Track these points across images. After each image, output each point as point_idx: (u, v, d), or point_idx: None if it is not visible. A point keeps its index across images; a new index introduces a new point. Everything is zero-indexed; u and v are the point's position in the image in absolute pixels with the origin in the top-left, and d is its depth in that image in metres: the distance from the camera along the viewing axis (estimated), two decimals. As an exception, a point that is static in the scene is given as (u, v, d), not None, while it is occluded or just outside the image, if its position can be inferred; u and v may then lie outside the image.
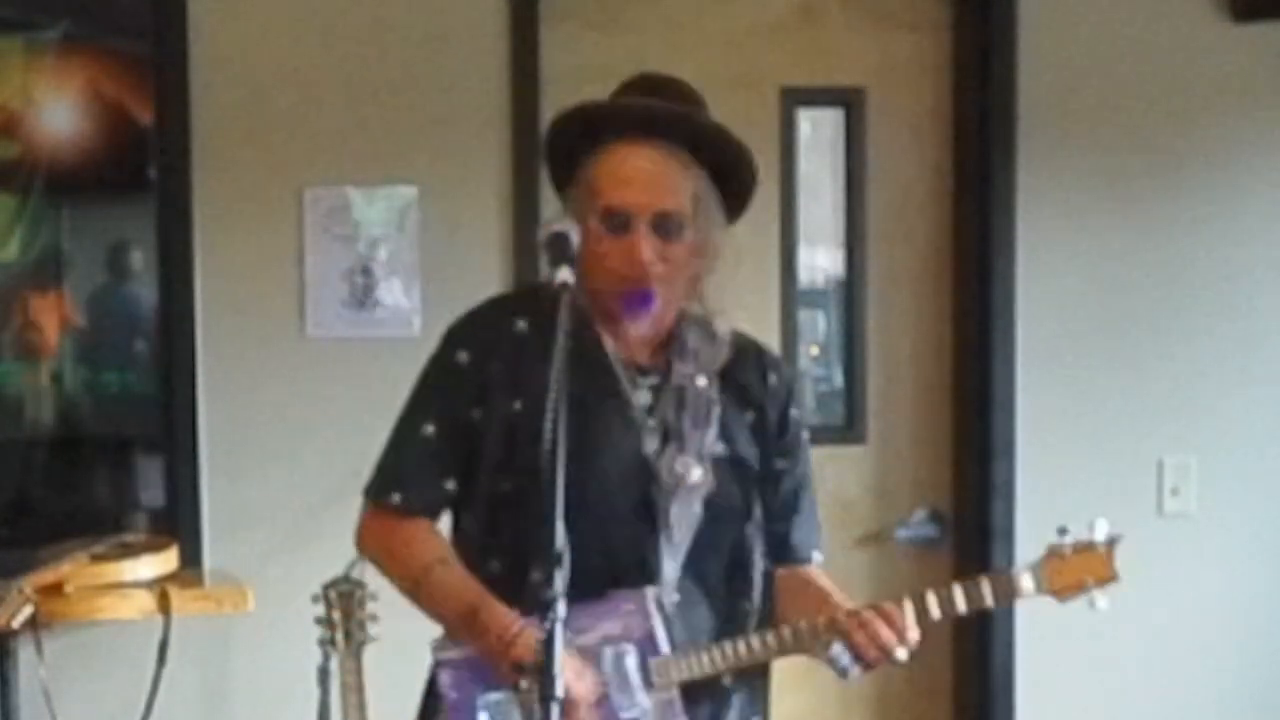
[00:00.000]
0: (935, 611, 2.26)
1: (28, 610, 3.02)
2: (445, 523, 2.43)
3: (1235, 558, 3.93)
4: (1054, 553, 2.29)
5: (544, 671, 1.90)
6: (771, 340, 3.85)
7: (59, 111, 3.70)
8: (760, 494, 2.38)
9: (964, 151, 3.86)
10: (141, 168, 3.68)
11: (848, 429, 3.89)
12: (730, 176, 2.32)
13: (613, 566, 2.22)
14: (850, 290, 3.92)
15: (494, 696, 2.23)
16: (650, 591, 2.23)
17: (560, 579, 1.92)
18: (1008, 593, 2.29)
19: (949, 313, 3.91)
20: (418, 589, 2.33)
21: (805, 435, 2.47)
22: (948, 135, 3.89)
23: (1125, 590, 3.94)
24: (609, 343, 2.31)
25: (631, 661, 2.20)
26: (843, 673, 2.25)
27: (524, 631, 2.14)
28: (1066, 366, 3.86)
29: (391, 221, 3.67)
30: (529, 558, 2.19)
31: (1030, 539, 3.80)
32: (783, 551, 2.42)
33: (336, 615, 3.12)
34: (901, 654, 2.23)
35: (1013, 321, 3.83)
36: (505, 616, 2.19)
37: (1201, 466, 3.89)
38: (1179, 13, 3.84)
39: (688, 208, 2.26)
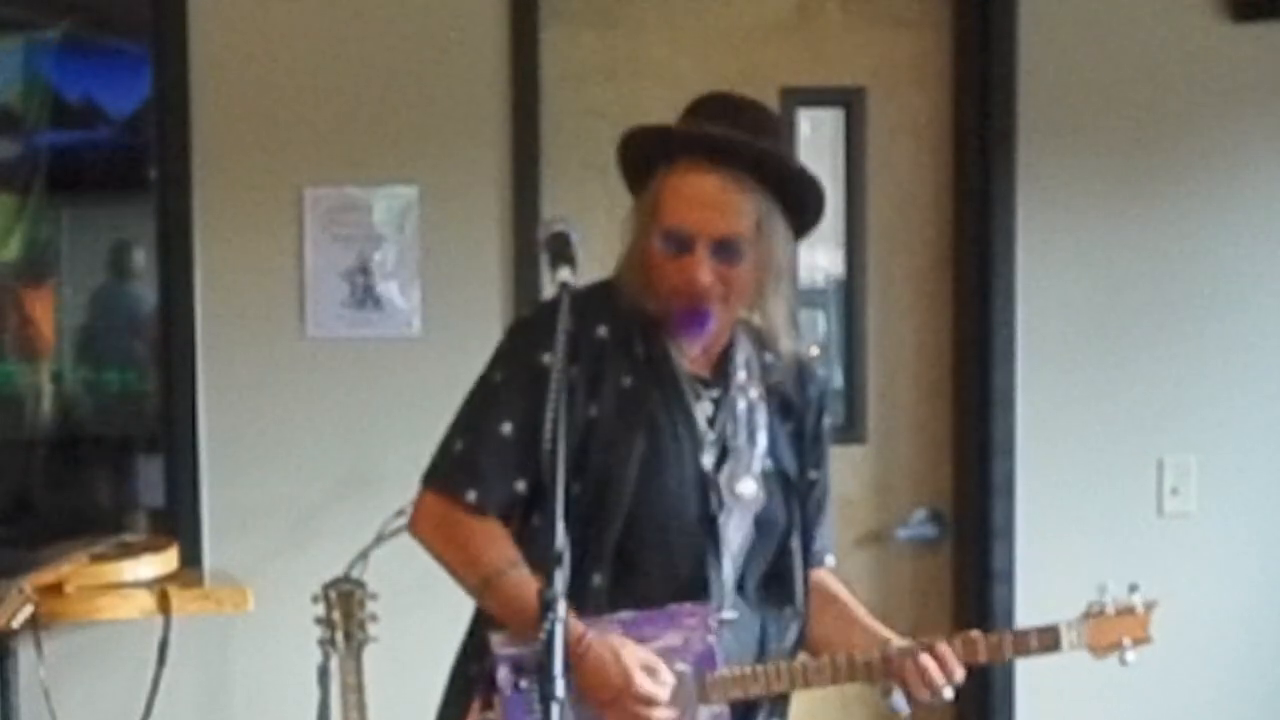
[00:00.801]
0: (983, 656, 2.35)
1: (28, 610, 3.02)
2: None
3: (1235, 558, 3.93)
4: (1096, 612, 2.43)
5: (544, 671, 1.89)
6: (771, 340, 3.86)
7: (59, 111, 3.70)
8: (802, 503, 2.43)
9: (964, 151, 3.86)
10: (141, 168, 3.68)
11: (848, 429, 3.89)
12: (794, 199, 2.33)
13: (673, 579, 2.27)
14: (850, 290, 3.91)
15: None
16: (713, 606, 2.27)
17: (560, 579, 1.92)
18: (1052, 645, 2.40)
19: (949, 313, 3.91)
20: (485, 589, 2.30)
21: (830, 439, 2.54)
22: (948, 135, 3.89)
23: (1125, 590, 3.95)
24: (675, 355, 2.33)
25: (687, 674, 2.23)
26: (899, 712, 2.36)
27: (595, 641, 2.19)
28: (1066, 366, 3.86)
29: (391, 221, 3.66)
30: (593, 565, 2.24)
31: (1030, 539, 3.83)
32: (804, 556, 2.46)
33: (336, 615, 3.12)
34: (949, 693, 2.32)
35: (1013, 321, 3.83)
36: (574, 624, 2.17)
37: (1201, 466, 3.89)
38: (1179, 13, 3.84)
39: (749, 232, 2.27)
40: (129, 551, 3.39)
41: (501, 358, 2.37)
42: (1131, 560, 3.89)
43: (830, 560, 2.53)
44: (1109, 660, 2.49)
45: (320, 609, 3.12)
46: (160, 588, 3.29)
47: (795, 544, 2.40)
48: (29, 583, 3.07)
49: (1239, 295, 3.90)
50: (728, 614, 2.30)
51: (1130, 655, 2.45)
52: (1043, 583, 3.83)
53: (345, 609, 3.12)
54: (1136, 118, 3.85)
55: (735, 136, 2.29)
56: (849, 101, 3.88)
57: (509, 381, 2.33)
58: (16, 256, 3.73)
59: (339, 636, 3.12)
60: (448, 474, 2.33)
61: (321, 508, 3.59)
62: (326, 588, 3.13)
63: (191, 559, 3.56)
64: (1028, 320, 3.83)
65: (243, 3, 3.63)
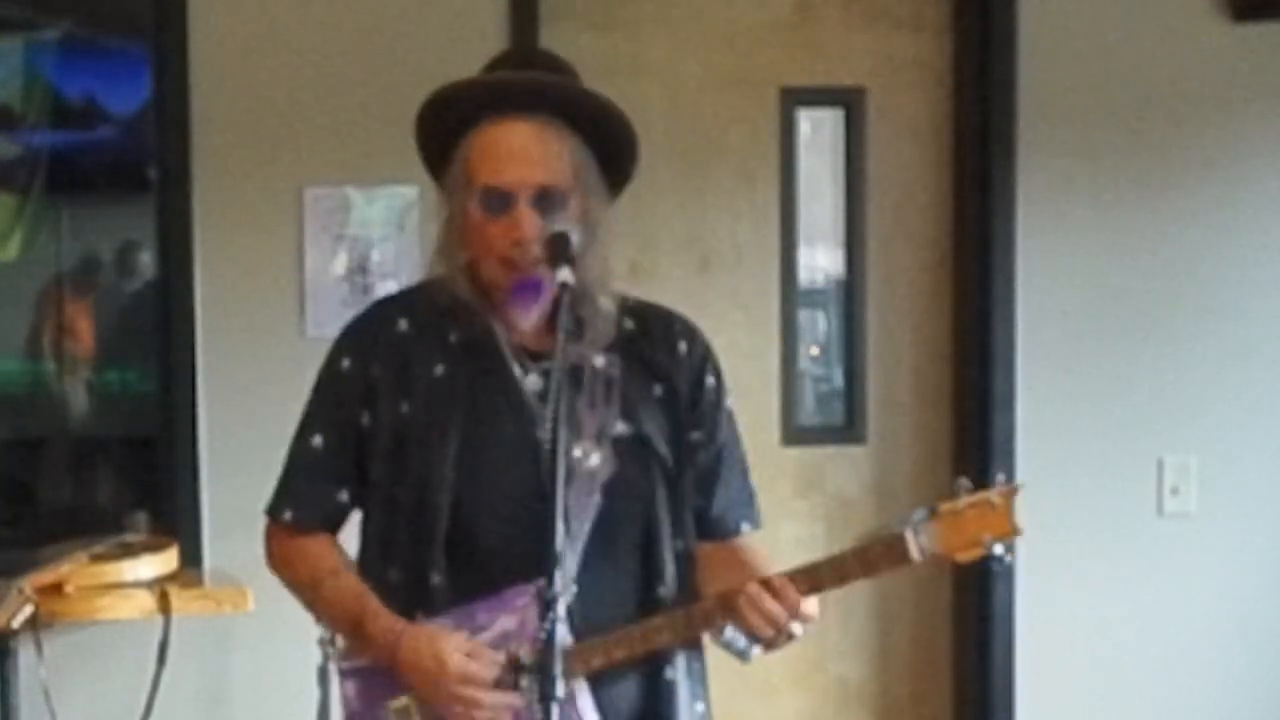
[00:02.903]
0: (827, 581, 2.11)
1: (28, 610, 3.01)
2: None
3: (1235, 558, 3.93)
4: (947, 510, 2.10)
5: (544, 672, 1.89)
6: (771, 340, 3.87)
7: (59, 111, 3.70)
8: (678, 470, 2.25)
9: (964, 151, 3.86)
10: (141, 168, 3.68)
11: (848, 429, 3.89)
12: (609, 144, 2.21)
13: (514, 560, 2.09)
14: (850, 290, 3.92)
15: (396, 703, 2.18)
16: (541, 584, 2.06)
17: (560, 579, 1.90)
18: (900, 556, 2.10)
19: (949, 313, 3.91)
20: (312, 603, 2.31)
21: (727, 402, 2.32)
22: (948, 135, 3.89)
23: (1125, 590, 3.97)
24: (499, 329, 2.20)
25: (525, 654, 2.08)
26: (741, 655, 2.15)
27: (405, 633, 2.12)
28: (1066, 366, 3.86)
29: (391, 221, 3.67)
30: (427, 563, 2.16)
31: (1030, 538, 3.82)
32: (705, 526, 2.29)
33: (336, 615, 3.11)
34: (796, 629, 2.10)
35: (1013, 321, 3.83)
36: (388, 621, 2.15)
37: (1201, 466, 3.89)
38: (1179, 13, 3.84)
39: (569, 180, 2.15)
40: (129, 551, 3.38)
41: (317, 374, 2.34)
42: (1131, 560, 3.90)
43: (746, 528, 2.32)
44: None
45: (320, 609, 3.12)
46: (160, 588, 3.28)
47: (662, 515, 2.22)
48: (29, 583, 3.07)
49: (1239, 295, 3.90)
50: (565, 590, 2.09)
51: (1001, 552, 2.10)
52: (1043, 583, 3.83)
53: (345, 609, 3.11)
54: (1136, 118, 3.85)
55: (533, 77, 2.19)
56: (849, 101, 3.88)
57: (317, 393, 2.32)
58: (16, 256, 3.73)
59: (339, 636, 3.11)
60: (272, 500, 2.33)
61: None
62: (326, 588, 3.12)
63: (191, 559, 3.56)
64: (1028, 320, 3.83)
65: (243, 3, 3.63)
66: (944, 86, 3.89)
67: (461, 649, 2.08)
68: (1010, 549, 2.09)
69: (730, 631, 2.12)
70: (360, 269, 3.65)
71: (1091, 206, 3.85)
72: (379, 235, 3.66)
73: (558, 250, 2.10)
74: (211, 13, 3.58)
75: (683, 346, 2.29)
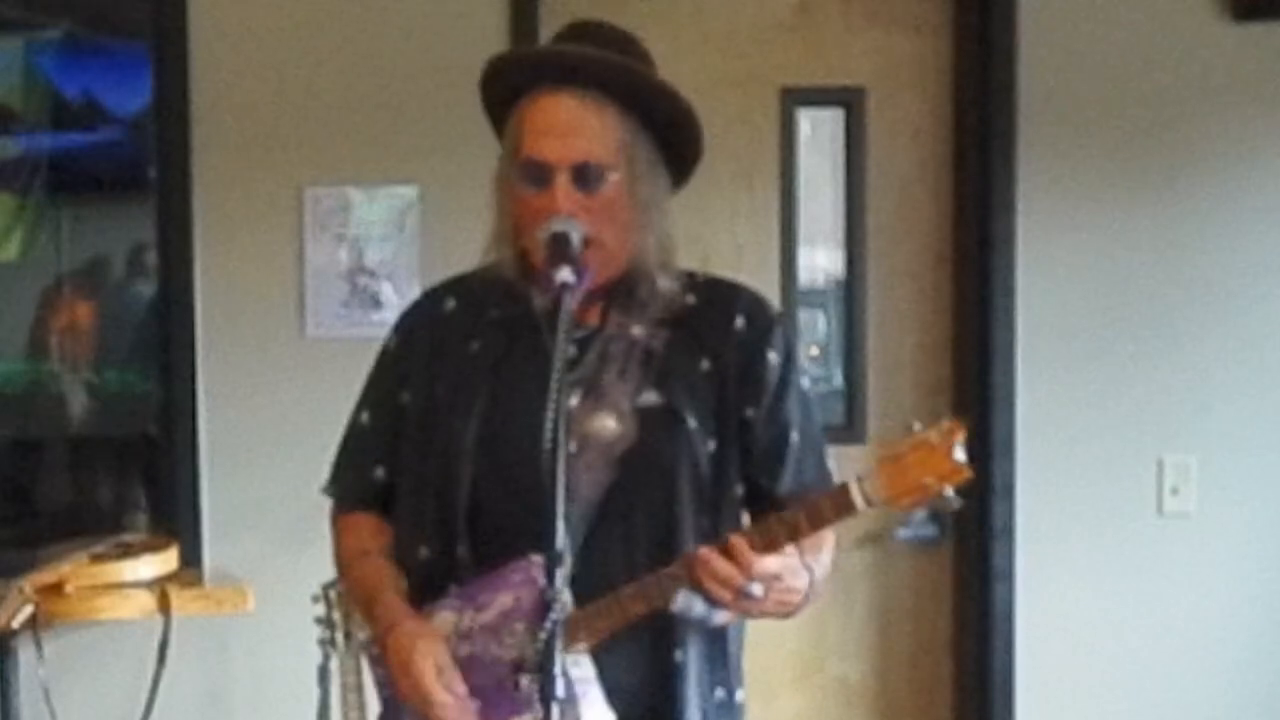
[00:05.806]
0: (782, 538, 2.05)
1: (28, 610, 3.02)
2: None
3: (1235, 558, 3.92)
4: (888, 456, 2.00)
5: (543, 671, 1.88)
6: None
7: (59, 111, 3.70)
8: (717, 447, 2.19)
9: (964, 151, 3.86)
10: (142, 168, 3.68)
11: (848, 429, 3.88)
12: (667, 127, 2.18)
13: (536, 531, 1.96)
14: (850, 290, 3.92)
15: None
16: (536, 558, 2.02)
17: (560, 578, 1.90)
18: (847, 508, 2.03)
19: (949, 313, 3.91)
20: (345, 583, 2.36)
21: (799, 382, 2.26)
22: (948, 135, 3.89)
23: (1125, 590, 3.97)
24: (538, 301, 2.18)
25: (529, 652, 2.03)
26: (702, 622, 2.11)
27: (392, 629, 2.12)
28: (1066, 366, 3.86)
29: (391, 221, 3.67)
30: (453, 535, 2.16)
31: (1030, 539, 3.83)
32: (775, 507, 2.19)
33: (336, 615, 3.11)
34: (755, 589, 2.02)
35: (1013, 321, 3.83)
36: (387, 610, 2.16)
37: (1201, 466, 3.89)
38: (1179, 13, 3.84)
39: (612, 157, 2.13)
40: (129, 551, 3.39)
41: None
42: (1131, 560, 3.90)
43: None
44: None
45: (320, 609, 3.12)
46: (160, 588, 3.29)
47: (684, 489, 2.15)
48: (29, 583, 3.07)
49: (1239, 295, 3.90)
50: (565, 561, 2.03)
51: (949, 494, 1.98)
52: (1043, 583, 3.83)
53: (345, 609, 3.11)
54: (1137, 118, 3.85)
55: (584, 51, 2.16)
56: (849, 101, 3.88)
57: (371, 372, 2.37)
58: (16, 257, 3.73)
59: (339, 636, 3.11)
60: (327, 477, 2.38)
61: (321, 508, 3.55)
62: (326, 588, 3.12)
63: (191, 559, 3.57)
64: (1028, 320, 3.83)
65: (243, 3, 3.63)
66: (944, 86, 3.89)
67: (437, 661, 2.08)
68: (961, 490, 1.98)
69: (683, 598, 2.07)
70: (360, 269, 3.66)
71: (1091, 206, 3.85)
72: (379, 235, 3.66)
73: (558, 250, 2.09)
74: (211, 13, 3.59)
75: (740, 322, 2.23)
